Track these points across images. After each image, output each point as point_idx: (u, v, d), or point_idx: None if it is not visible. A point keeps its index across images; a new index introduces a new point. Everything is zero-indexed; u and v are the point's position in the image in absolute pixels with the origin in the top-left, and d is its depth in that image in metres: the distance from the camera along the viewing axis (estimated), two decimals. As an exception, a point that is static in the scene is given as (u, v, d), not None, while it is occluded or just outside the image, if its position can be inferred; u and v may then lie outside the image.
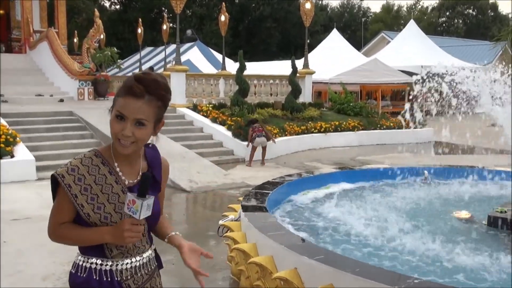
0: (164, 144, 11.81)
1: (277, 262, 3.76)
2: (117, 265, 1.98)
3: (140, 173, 2.02)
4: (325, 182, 6.69)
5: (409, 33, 31.81)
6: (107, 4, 54.55)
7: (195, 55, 32.88)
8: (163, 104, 1.98)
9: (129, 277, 2.00)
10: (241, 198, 6.24)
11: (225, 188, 9.61)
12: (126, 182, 1.97)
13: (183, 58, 28.89)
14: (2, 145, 10.12)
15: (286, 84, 17.66)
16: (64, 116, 13.68)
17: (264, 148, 12.45)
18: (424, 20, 60.85)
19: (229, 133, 13.57)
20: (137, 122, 1.90)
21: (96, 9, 19.15)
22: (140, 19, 26.80)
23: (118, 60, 21.17)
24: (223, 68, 20.23)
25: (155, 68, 32.86)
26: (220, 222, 5.08)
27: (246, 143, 12.92)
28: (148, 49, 38.07)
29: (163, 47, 36.69)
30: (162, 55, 34.28)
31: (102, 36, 24.11)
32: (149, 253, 2.10)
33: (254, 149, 12.30)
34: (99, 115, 13.70)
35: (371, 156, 13.96)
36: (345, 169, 7.93)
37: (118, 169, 1.97)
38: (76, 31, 34.32)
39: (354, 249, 4.32)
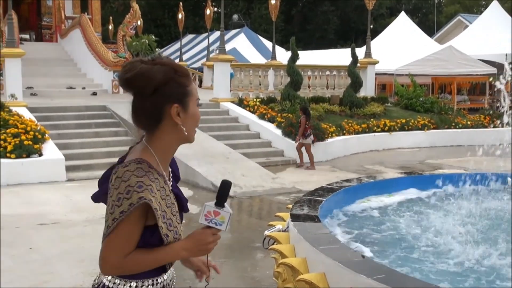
0: (205, 143, 11.98)
1: (330, 281, 3.69)
2: (167, 277, 2.06)
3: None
4: (388, 189, 6.54)
5: (492, 16, 30.77)
6: (145, -13, 55.64)
7: (242, 43, 33.02)
8: None
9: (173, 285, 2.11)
10: (290, 206, 6.20)
11: (273, 193, 9.60)
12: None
13: (229, 46, 29.13)
14: (30, 142, 10.49)
15: (345, 75, 17.47)
16: (97, 111, 14.05)
17: (309, 147, 12.38)
18: (510, 1, 58.82)
19: (279, 132, 13.55)
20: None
21: (132, -8, 19.53)
22: (181, 3, 27.16)
23: (156, 49, 21.50)
24: (273, 57, 20.26)
25: (197, 58, 33.29)
26: (266, 232, 5.05)
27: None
28: (190, 36, 38.55)
29: (206, 34, 37.17)
30: (204, 43, 34.67)
31: (139, 23, 24.58)
32: None
33: (303, 146, 12.26)
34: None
35: (443, 159, 13.60)
36: (413, 174, 7.73)
37: (166, 178, 1.99)
38: (111, 17, 35.24)
39: (421, 268, 4.19)
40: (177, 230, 1.96)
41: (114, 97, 17.51)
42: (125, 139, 12.73)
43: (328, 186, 6.27)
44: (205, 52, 28.43)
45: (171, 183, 2.05)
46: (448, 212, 5.74)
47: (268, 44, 35.00)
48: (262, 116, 14.37)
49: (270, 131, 13.79)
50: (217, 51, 16.33)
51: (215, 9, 37.89)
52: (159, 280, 2.00)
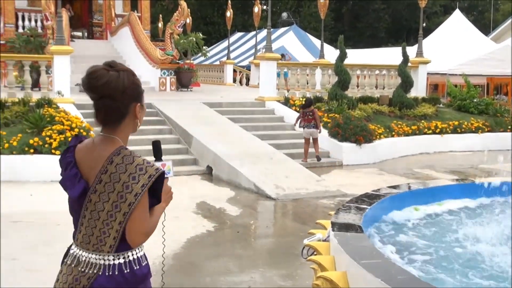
0: (249, 142, 11.76)
1: (372, 299, 3.39)
2: None
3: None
4: (439, 197, 6.14)
5: (552, 14, 29.46)
6: (195, -15, 55.96)
7: (290, 41, 32.73)
8: None
9: None
10: (332, 213, 5.90)
11: (317, 196, 9.29)
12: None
13: (277, 44, 28.91)
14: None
15: (395, 75, 16.96)
16: (143, 108, 14.03)
17: (315, 140, 12.38)
18: None
19: (325, 132, 13.20)
20: None
21: (181, -11, 19.50)
22: (229, 1, 27.06)
23: (204, 47, 21.48)
24: (321, 56, 19.92)
25: (244, 56, 33.16)
26: (305, 241, 4.77)
27: (345, 143, 12.58)
28: (238, 34, 38.47)
29: (254, 32, 36.99)
30: (252, 42, 34.49)
31: (187, 21, 24.64)
32: None
33: (306, 141, 12.38)
34: (180, 109, 13.92)
35: (498, 164, 12.93)
36: (466, 180, 7.29)
37: None
38: (161, 15, 35.52)
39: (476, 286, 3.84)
40: None
41: (161, 95, 17.52)
42: (169, 137, 12.66)
43: (374, 192, 5.94)
44: (253, 50, 28.24)
45: None
46: (503, 223, 5.32)
47: (317, 42, 34.48)
48: (308, 116, 14.03)
49: (316, 131, 13.45)
50: (264, 50, 16.10)
51: (264, 7, 37.76)
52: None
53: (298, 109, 14.49)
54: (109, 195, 2.24)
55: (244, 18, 47.36)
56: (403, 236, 5.06)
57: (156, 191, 2.37)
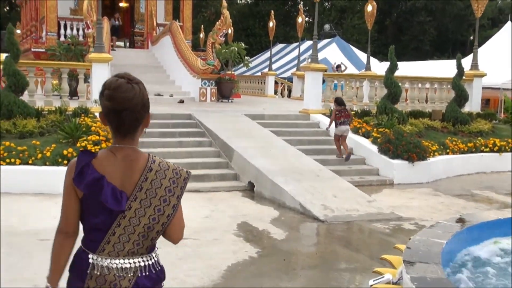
0: (294, 158, 10.98)
1: None
2: None
3: None
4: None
5: None
6: (237, -4, 55.74)
7: (333, 53, 31.91)
8: None
9: None
10: (399, 246, 5.08)
11: (370, 219, 8.44)
12: None
13: (320, 56, 28.00)
14: (110, 151, 9.92)
15: (448, 88, 15.98)
16: (182, 119, 13.43)
17: (344, 138, 12.25)
18: None
19: (374, 148, 12.34)
20: None
21: (224, 0, 18.95)
22: (272, 12, 26.45)
23: (246, 57, 20.84)
24: (368, 68, 19.08)
25: (286, 67, 32.49)
26: (371, 283, 3.97)
27: (397, 160, 11.70)
28: (280, 46, 37.86)
29: (296, 44, 36.27)
30: (295, 53, 33.78)
31: (229, 31, 24.11)
32: None
33: (337, 138, 12.29)
34: (220, 120, 13.28)
35: None
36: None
37: None
38: (202, 26, 35.22)
39: None
40: None
41: (201, 106, 16.94)
42: (209, 149, 12.00)
43: (446, 222, 5.10)
44: (295, 61, 27.54)
45: None
46: None
47: (360, 54, 33.65)
48: (355, 130, 13.19)
49: (365, 147, 12.60)
50: (309, 60, 15.34)
51: (307, 18, 37.03)
52: None
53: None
54: (151, 201, 2.34)
55: (285, 29, 46.78)
56: (490, 277, 4.20)
57: None
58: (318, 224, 8.23)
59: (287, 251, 6.82)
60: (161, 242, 6.68)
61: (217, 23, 19.18)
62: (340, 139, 12.25)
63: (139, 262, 2.37)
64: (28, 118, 11.04)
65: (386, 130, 12.69)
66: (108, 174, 2.34)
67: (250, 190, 10.36)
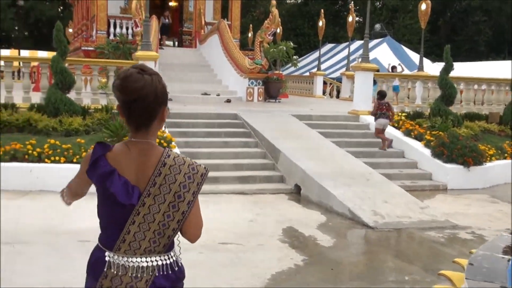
0: (343, 161, 10.56)
1: None
2: None
3: None
4: None
5: None
6: (286, -4, 55.37)
7: (383, 53, 31.22)
8: None
9: None
10: (460, 261, 4.65)
11: (423, 227, 7.97)
12: None
13: (370, 56, 27.37)
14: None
15: (506, 90, 15.21)
16: (228, 119, 13.20)
17: (383, 132, 12.47)
18: None
19: (427, 151, 11.80)
20: None
21: (273, -1, 18.66)
22: (322, 11, 25.98)
23: (294, 57, 20.47)
24: (420, 68, 18.39)
25: (335, 67, 31.94)
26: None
27: (451, 165, 11.17)
28: (329, 46, 37.32)
29: (346, 43, 35.62)
30: (344, 53, 33.17)
31: (278, 30, 23.80)
32: None
33: (379, 131, 12.49)
34: (267, 121, 12.98)
35: None
36: None
37: None
38: (251, 25, 35.03)
39: None
40: None
41: (248, 105, 16.68)
42: (255, 150, 11.71)
43: (509, 235, 4.64)
44: (344, 61, 26.99)
45: None
46: None
47: (412, 54, 32.79)
48: (407, 133, 12.66)
49: (417, 150, 12.05)
50: (360, 59, 14.87)
51: (357, 18, 36.34)
52: None
53: (395, 124, 13.19)
54: (165, 197, 2.26)
55: (335, 29, 46.17)
56: None
57: None
58: (367, 231, 7.82)
59: (334, 260, 6.45)
60: (202, 246, 6.44)
61: (266, 21, 18.91)
62: (382, 131, 12.48)
63: (156, 261, 2.30)
64: (74, 116, 11.02)
65: (440, 133, 12.13)
66: (121, 168, 2.29)
67: (296, 193, 10.02)
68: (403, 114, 13.67)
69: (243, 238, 7.14)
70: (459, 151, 11.25)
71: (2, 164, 9.38)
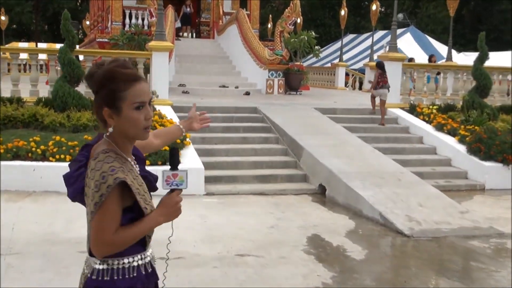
0: (371, 158, 9.64)
1: None
2: (149, 255, 2.23)
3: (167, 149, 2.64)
4: None
5: None
6: (306, -14, 54.24)
7: (407, 43, 29.97)
8: None
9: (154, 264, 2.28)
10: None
11: (464, 235, 7.07)
12: (138, 172, 2.18)
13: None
14: (167, 148, 8.96)
15: (544, 81, 14.14)
16: (247, 113, 12.37)
17: (383, 103, 12.43)
18: None
19: (462, 148, 10.86)
20: (149, 102, 2.14)
21: (293, -15, 17.71)
22: (344, 0, 24.93)
23: (316, 46, 19.51)
24: (449, 58, 17.36)
25: (357, 58, 30.86)
26: None
27: (489, 163, 10.24)
28: (350, 36, 36.18)
29: (367, 34, 34.44)
30: (366, 43, 32.06)
31: (298, 20, 22.81)
32: None
33: (373, 98, 12.75)
34: (288, 115, 12.14)
35: None
36: None
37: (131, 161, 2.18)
38: (270, 16, 34.07)
39: None
40: (152, 206, 2.14)
41: (268, 98, 15.82)
42: (276, 147, 10.87)
43: None
44: (367, 52, 25.96)
45: (137, 167, 2.21)
46: None
47: (437, 44, 31.57)
48: (439, 127, 11.71)
49: (450, 146, 11.11)
50: (387, 48, 13.92)
51: (380, 8, 35.09)
52: (147, 254, 2.21)
53: (426, 118, 12.26)
54: (87, 200, 2.09)
55: (356, 20, 44.93)
56: None
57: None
58: (402, 239, 6.95)
59: (369, 276, 5.59)
60: (217, 259, 5.62)
61: (286, 10, 17.99)
62: (379, 103, 12.50)
63: (93, 262, 2.16)
64: (83, 110, 10.27)
65: (476, 127, 11.16)
66: None
67: (321, 194, 9.17)
68: (434, 107, 12.68)
69: (263, 248, 6.32)
70: (498, 147, 10.30)
71: (4, 162, 8.68)
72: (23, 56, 19.10)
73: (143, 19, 21.03)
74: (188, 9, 23.19)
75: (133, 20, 21.04)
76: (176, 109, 11.58)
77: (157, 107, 11.09)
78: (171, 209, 2.15)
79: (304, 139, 10.41)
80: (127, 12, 21.29)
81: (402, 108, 13.02)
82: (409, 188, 8.60)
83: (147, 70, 12.98)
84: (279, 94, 17.62)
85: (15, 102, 10.53)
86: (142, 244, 2.18)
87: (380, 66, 12.83)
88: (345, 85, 24.39)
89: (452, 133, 11.43)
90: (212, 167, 9.67)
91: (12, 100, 10.57)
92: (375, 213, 7.68)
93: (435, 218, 7.55)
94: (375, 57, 23.78)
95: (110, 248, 2.08)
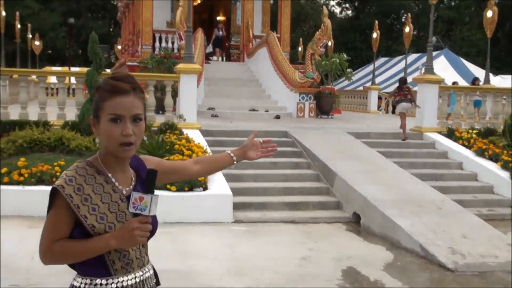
0: (408, 185, 9.09)
1: None
2: (122, 281, 2.06)
3: (133, 178, 2.17)
4: None
5: None
6: (337, 10, 54.18)
7: (441, 66, 29.31)
8: (144, 95, 2.12)
9: None
10: None
11: (513, 270, 6.50)
12: (124, 191, 2.08)
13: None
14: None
15: None
16: (277, 137, 11.97)
17: (402, 116, 12.46)
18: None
19: (505, 174, 10.28)
20: (134, 119, 2.02)
21: (324, 7, 17.42)
22: (376, 22, 24.58)
23: (348, 69, 19.11)
24: (487, 80, 16.73)
25: (390, 81, 30.35)
26: None
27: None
28: (382, 59, 35.76)
29: (400, 57, 33.98)
30: (399, 66, 31.64)
31: (329, 43, 22.50)
32: (149, 267, 2.20)
33: (402, 116, 12.53)
34: (320, 139, 11.72)
35: None
36: None
37: (113, 179, 2.09)
38: (301, 39, 33.90)
39: None
40: (111, 226, 2.01)
41: (298, 122, 15.45)
42: (307, 172, 10.44)
43: None
44: (400, 75, 25.42)
45: (132, 186, 2.14)
46: None
47: (472, 67, 30.87)
48: (480, 153, 11.13)
49: (493, 172, 10.52)
50: (423, 70, 13.44)
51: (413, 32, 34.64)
52: (116, 280, 2.06)
53: (465, 143, 11.70)
54: None
55: (387, 43, 44.54)
56: None
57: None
58: (445, 273, 6.41)
59: (410, 317, 5.09)
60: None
61: (317, 32, 17.67)
62: (405, 116, 12.52)
63: None
64: (109, 134, 10.03)
65: (519, 152, 10.57)
66: None
67: (355, 223, 8.69)
68: (474, 131, 12.12)
69: (294, 281, 5.89)
70: (544, 174, 9.69)
71: (27, 187, 8.47)
72: (54, 80, 19.16)
73: (172, 43, 21.02)
74: (221, 33, 23.11)
75: (163, 44, 21.04)
76: (205, 133, 11.28)
77: (185, 131, 10.82)
78: (125, 234, 1.97)
79: (337, 164, 9.97)
80: (157, 35, 21.31)
81: (440, 132, 12.48)
82: (451, 217, 8.05)
83: (175, 93, 12.77)
84: (310, 118, 17.23)
85: (41, 125, 10.38)
86: (105, 267, 2.06)
87: (400, 81, 13.27)
88: (378, 109, 23.89)
89: (494, 158, 10.85)
90: (241, 193, 9.28)
91: (39, 124, 10.42)
92: (414, 245, 7.16)
93: (480, 250, 7.00)
94: (409, 80, 23.36)
95: (48, 256, 2.03)
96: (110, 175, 2.08)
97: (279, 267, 6.39)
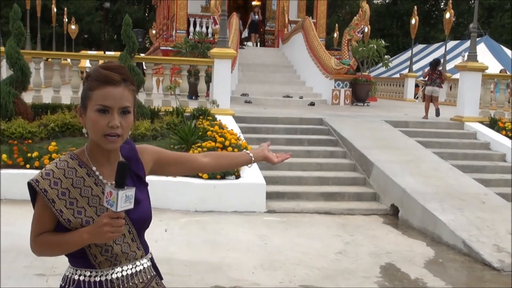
0: (449, 177, 8.65)
1: None
2: (106, 275, 2.02)
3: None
4: None
5: None
6: (375, -5, 53.06)
7: (481, 53, 28.34)
8: (135, 88, 2.04)
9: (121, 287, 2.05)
10: None
11: None
12: (109, 185, 1.92)
13: (465, 57, 24.91)
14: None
15: None
16: (312, 124, 11.64)
17: (436, 99, 13.16)
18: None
19: (552, 167, 9.74)
20: (123, 111, 1.95)
21: (362, -8, 16.89)
22: (415, 7, 23.83)
23: (385, 56, 18.55)
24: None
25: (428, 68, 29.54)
26: None
27: None
28: (420, 46, 34.82)
29: (438, 44, 33.04)
30: (437, 53, 30.68)
31: (366, 29, 21.90)
32: (143, 261, 2.12)
33: (427, 98, 13.32)
34: (356, 127, 11.33)
35: None
36: None
37: (97, 172, 2.03)
38: (337, 25, 33.27)
39: None
40: (89, 220, 1.96)
41: (334, 109, 15.05)
42: (343, 162, 10.09)
43: None
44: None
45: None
46: None
47: (512, 55, 29.84)
48: (521, 146, 10.61)
49: (539, 165, 10.01)
50: (465, 57, 12.88)
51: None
52: (100, 273, 2.01)
53: (509, 134, 11.17)
54: None
55: (425, 30, 43.41)
56: None
57: None
58: (491, 273, 6.03)
59: (455, 320, 4.75)
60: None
61: (355, 18, 17.20)
62: (432, 99, 13.17)
63: None
64: (141, 119, 9.86)
65: None
66: None
67: (393, 215, 8.33)
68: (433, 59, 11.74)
69: (330, 278, 5.59)
70: None
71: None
72: (88, 64, 19.12)
73: (207, 27, 20.76)
74: (257, 17, 22.75)
75: (197, 28, 20.79)
76: (238, 119, 11.01)
77: (218, 117, 10.56)
78: (97, 229, 1.89)
79: (374, 154, 9.59)
80: (192, 20, 21.07)
81: (481, 122, 11.95)
82: (495, 212, 7.62)
83: (209, 78, 12.52)
84: (346, 105, 16.81)
85: (74, 109, 10.25)
86: (87, 260, 2.02)
87: (431, 63, 13.56)
88: (415, 97, 23.25)
89: (540, 150, 10.31)
90: (274, 182, 9.01)
91: (71, 107, 10.30)
92: (457, 241, 6.78)
93: (528, 249, 6.58)
94: (448, 67, 22.63)
95: (34, 249, 2.05)
96: (94, 168, 2.02)
97: (314, 261, 6.10)
